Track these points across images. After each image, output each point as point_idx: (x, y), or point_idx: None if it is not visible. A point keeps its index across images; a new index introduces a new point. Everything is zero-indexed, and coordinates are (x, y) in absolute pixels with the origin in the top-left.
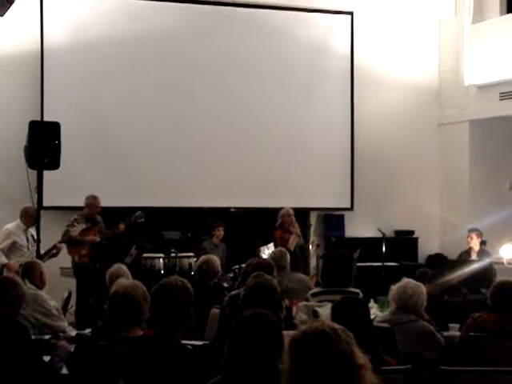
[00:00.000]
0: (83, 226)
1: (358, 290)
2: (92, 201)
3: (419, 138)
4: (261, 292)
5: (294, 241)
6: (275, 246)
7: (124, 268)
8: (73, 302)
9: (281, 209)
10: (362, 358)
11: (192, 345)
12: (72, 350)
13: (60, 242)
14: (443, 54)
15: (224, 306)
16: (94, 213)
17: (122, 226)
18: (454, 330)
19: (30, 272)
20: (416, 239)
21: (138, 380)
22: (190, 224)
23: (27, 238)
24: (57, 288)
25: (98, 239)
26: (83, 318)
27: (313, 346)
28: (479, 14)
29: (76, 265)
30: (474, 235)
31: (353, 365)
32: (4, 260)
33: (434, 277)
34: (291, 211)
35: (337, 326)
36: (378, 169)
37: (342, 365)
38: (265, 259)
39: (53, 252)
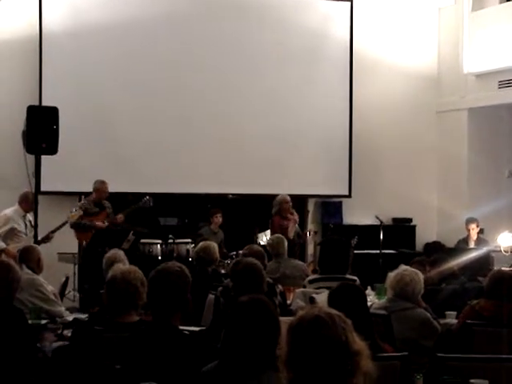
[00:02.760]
0: (81, 212)
1: (355, 277)
2: (100, 185)
3: (418, 125)
4: (246, 275)
5: (293, 228)
6: (272, 234)
7: (121, 253)
8: (70, 287)
9: (277, 195)
10: (358, 344)
11: (189, 330)
12: (55, 339)
13: (54, 231)
14: (442, 42)
15: (218, 296)
16: (101, 197)
17: (120, 217)
18: (451, 318)
19: (28, 257)
20: (414, 227)
21: (134, 365)
22: (188, 210)
23: (25, 224)
24: (54, 273)
25: (105, 225)
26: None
27: (308, 331)
28: (479, 2)
29: (84, 249)
30: (473, 225)
31: (347, 351)
32: (2, 245)
33: (436, 262)
34: (288, 198)
35: (333, 311)
36: (376, 156)
37: (337, 350)
38: (258, 247)
39: (45, 241)
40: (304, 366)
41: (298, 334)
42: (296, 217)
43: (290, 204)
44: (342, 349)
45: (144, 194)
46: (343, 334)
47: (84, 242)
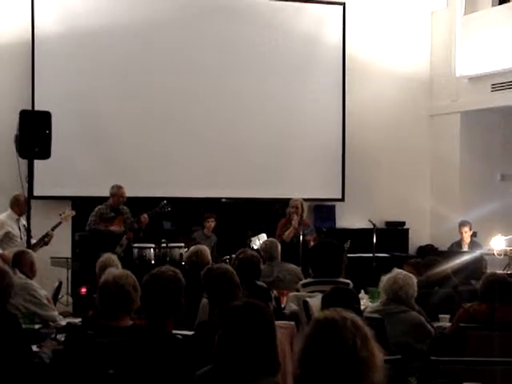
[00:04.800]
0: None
1: (348, 281)
2: (116, 190)
3: (410, 128)
4: (219, 283)
5: (289, 233)
6: (274, 234)
7: (114, 258)
8: (63, 291)
9: (270, 199)
10: (369, 353)
11: (182, 334)
12: (58, 348)
13: (53, 229)
14: (435, 45)
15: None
16: (118, 202)
17: (145, 216)
18: (445, 321)
19: (21, 261)
20: (407, 230)
21: (128, 370)
22: (181, 214)
23: (19, 228)
24: (47, 277)
25: (121, 229)
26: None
27: (317, 330)
28: (471, 5)
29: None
30: (466, 228)
31: (355, 357)
32: None
33: (429, 265)
34: (296, 203)
35: (351, 316)
36: (369, 159)
37: (342, 354)
38: (253, 251)
39: (45, 240)
40: (311, 365)
41: (310, 332)
42: (296, 223)
43: (296, 209)
44: (348, 353)
45: (138, 199)
46: (351, 339)
47: None
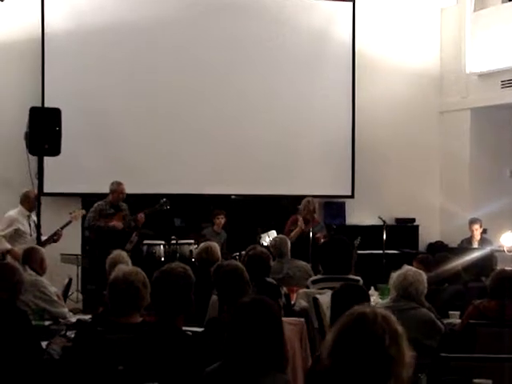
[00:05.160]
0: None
1: (358, 278)
2: (115, 187)
3: (420, 125)
4: (228, 279)
5: (295, 234)
6: (283, 230)
7: (124, 254)
8: (73, 288)
9: (280, 196)
10: (398, 351)
11: (192, 331)
12: (67, 344)
13: (63, 227)
14: (445, 42)
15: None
16: (118, 199)
17: (141, 215)
18: (455, 318)
19: (31, 258)
20: (417, 227)
21: (137, 366)
22: (190, 211)
23: (29, 225)
24: (57, 274)
25: (121, 226)
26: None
27: (348, 324)
28: (481, 2)
29: (87, 250)
30: (476, 226)
31: (383, 352)
32: (7, 246)
33: (439, 261)
34: (307, 203)
35: (384, 312)
36: (379, 156)
37: (369, 349)
38: (263, 247)
39: (54, 238)
40: (340, 358)
41: (342, 325)
42: (302, 224)
43: (311, 208)
44: (376, 348)
45: (147, 196)
46: (380, 335)
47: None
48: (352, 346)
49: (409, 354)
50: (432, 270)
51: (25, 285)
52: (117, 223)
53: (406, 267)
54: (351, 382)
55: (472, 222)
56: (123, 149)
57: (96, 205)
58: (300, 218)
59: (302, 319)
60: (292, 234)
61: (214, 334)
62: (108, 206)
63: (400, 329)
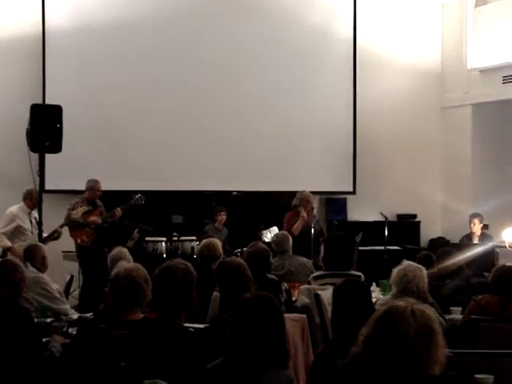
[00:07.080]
0: (85, 208)
1: (359, 273)
2: (93, 184)
3: (422, 121)
4: (230, 276)
5: (298, 226)
6: (282, 227)
7: (125, 251)
8: (75, 285)
9: (281, 192)
10: (423, 342)
11: (194, 327)
12: (66, 341)
13: (62, 226)
14: (446, 38)
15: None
16: (95, 196)
17: (118, 210)
18: (456, 313)
19: (32, 255)
20: (418, 223)
21: (139, 363)
22: (192, 208)
23: (31, 222)
24: (59, 271)
25: (100, 221)
26: (87, 301)
27: (380, 315)
28: None
29: (80, 247)
30: (475, 220)
31: (407, 344)
32: (8, 243)
33: (441, 257)
34: (310, 198)
35: (418, 307)
36: (380, 152)
37: (394, 340)
38: (265, 244)
39: (54, 236)
40: (369, 345)
41: (375, 315)
42: (304, 214)
43: (309, 202)
44: (399, 339)
45: (147, 192)
46: (403, 327)
47: (79, 240)
48: (378, 335)
49: (442, 351)
50: (433, 267)
51: (27, 282)
52: (96, 218)
53: (406, 262)
54: (377, 370)
55: (471, 216)
56: (124, 146)
57: (74, 201)
58: (302, 209)
59: (304, 315)
60: (295, 225)
61: (217, 330)
62: (85, 203)
63: (434, 325)
